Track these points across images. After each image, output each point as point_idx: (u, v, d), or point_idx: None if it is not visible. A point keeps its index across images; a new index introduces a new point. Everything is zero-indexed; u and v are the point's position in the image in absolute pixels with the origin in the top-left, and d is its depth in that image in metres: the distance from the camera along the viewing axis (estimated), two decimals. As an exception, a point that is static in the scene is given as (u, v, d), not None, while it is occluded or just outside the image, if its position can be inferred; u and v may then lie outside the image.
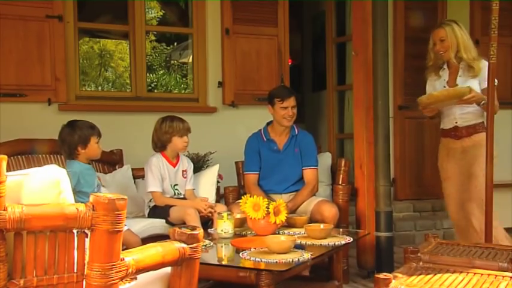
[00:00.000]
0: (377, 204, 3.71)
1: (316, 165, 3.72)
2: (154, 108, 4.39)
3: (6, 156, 1.38)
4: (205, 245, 2.67)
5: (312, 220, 3.35)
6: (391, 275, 1.95)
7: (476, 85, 3.36)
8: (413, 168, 5.28)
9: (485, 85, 3.23)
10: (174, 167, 3.57)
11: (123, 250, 1.52)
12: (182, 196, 3.58)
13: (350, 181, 3.85)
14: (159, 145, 3.54)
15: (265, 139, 3.76)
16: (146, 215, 3.54)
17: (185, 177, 3.61)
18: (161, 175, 3.49)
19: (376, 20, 3.71)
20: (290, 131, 3.76)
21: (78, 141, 3.07)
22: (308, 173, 3.69)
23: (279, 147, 3.75)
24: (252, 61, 4.74)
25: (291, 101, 3.67)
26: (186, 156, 3.80)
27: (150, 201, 3.53)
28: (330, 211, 3.41)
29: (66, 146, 3.10)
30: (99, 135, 3.14)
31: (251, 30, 4.72)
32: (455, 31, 3.43)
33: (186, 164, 3.65)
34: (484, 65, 3.33)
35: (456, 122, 3.46)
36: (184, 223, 3.20)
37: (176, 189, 3.56)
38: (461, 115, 3.44)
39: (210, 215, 3.33)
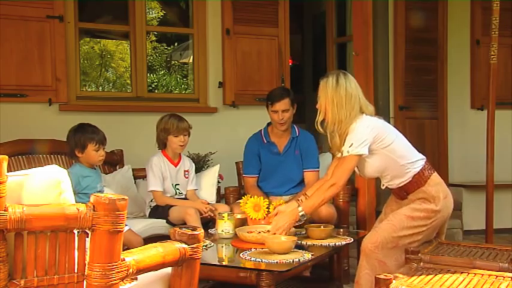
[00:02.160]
0: (378, 204, 3.71)
1: (318, 168, 3.69)
2: (154, 108, 4.39)
3: (6, 157, 1.38)
4: (205, 245, 2.67)
5: (309, 220, 3.34)
6: (391, 275, 1.95)
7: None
8: (414, 168, 5.26)
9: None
10: (176, 166, 3.56)
11: (124, 250, 1.53)
12: (183, 196, 3.58)
13: (351, 181, 3.85)
14: (160, 142, 3.55)
15: (265, 141, 3.73)
16: (147, 215, 3.54)
17: (187, 177, 3.61)
18: (162, 174, 3.49)
19: (377, 20, 3.72)
20: (291, 133, 3.73)
21: (75, 145, 3.08)
22: (309, 176, 3.66)
23: (279, 149, 3.71)
24: (253, 61, 4.74)
25: (281, 105, 3.54)
26: (187, 156, 3.80)
27: (151, 201, 3.53)
28: (327, 211, 3.38)
29: (68, 147, 3.15)
30: (100, 143, 3.09)
31: (252, 31, 4.72)
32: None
33: (188, 164, 3.65)
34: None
35: (389, 185, 2.84)
36: (184, 223, 3.20)
37: (177, 189, 3.56)
38: (385, 182, 2.85)
39: (209, 217, 3.33)
